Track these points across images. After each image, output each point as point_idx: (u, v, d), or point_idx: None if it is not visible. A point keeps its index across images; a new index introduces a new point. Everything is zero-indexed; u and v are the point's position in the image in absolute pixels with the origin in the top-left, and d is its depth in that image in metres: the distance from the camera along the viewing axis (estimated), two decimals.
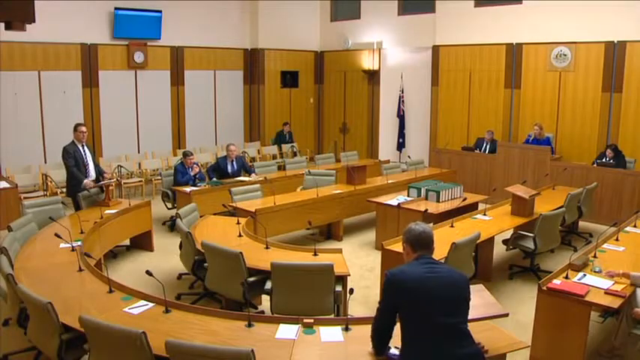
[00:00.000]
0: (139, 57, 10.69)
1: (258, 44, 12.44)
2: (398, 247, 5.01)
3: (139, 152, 10.96)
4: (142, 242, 6.83)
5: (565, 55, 9.35)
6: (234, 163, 8.22)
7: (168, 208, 7.91)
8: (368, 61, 12.51)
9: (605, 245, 5.00)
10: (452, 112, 10.99)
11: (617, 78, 8.87)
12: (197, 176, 7.74)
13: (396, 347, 2.92)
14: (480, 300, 3.23)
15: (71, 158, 6.38)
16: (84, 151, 6.51)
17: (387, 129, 12.47)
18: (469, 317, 3.02)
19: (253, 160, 11.10)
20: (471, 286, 3.48)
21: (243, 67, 12.56)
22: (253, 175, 8.25)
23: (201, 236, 5.07)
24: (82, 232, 5.24)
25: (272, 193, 6.77)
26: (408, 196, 6.98)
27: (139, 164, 10.19)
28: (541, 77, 9.71)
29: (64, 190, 6.97)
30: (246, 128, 12.87)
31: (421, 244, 2.76)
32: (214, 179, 7.92)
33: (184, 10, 11.26)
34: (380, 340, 2.86)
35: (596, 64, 9.04)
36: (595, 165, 8.39)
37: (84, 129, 6.53)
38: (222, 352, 2.84)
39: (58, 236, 4.72)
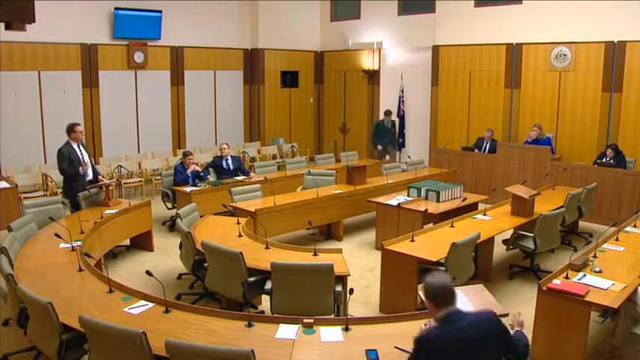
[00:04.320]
0: (139, 57, 10.69)
1: (258, 44, 12.44)
2: (398, 247, 5.02)
3: (139, 152, 10.96)
4: (142, 242, 6.83)
5: (565, 55, 9.35)
6: (230, 161, 8.25)
7: (169, 208, 7.91)
8: (368, 61, 12.51)
9: (605, 245, 4.99)
10: (452, 112, 10.99)
11: (617, 78, 8.87)
12: (195, 175, 7.74)
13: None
14: (480, 300, 3.24)
15: (65, 160, 6.20)
16: (80, 151, 6.36)
17: None
18: None
19: (253, 160, 11.10)
20: (471, 286, 3.50)
21: (243, 67, 12.56)
22: (252, 175, 8.26)
23: (201, 236, 5.06)
24: (82, 232, 5.24)
25: (272, 193, 6.77)
26: (408, 196, 6.98)
27: (139, 164, 10.19)
28: (541, 77, 9.71)
29: (62, 189, 6.94)
30: (246, 128, 12.87)
31: (444, 299, 2.66)
32: (212, 179, 7.92)
33: (184, 10, 11.26)
34: None
35: (596, 64, 9.05)
36: (595, 165, 8.40)
37: (81, 128, 6.38)
38: (222, 352, 2.84)
39: (58, 236, 4.72)
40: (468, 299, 3.24)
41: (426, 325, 3.02)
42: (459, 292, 3.36)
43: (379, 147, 11.36)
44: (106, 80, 10.43)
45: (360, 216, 7.90)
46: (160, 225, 7.89)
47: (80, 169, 6.27)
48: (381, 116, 11.82)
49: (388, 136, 11.42)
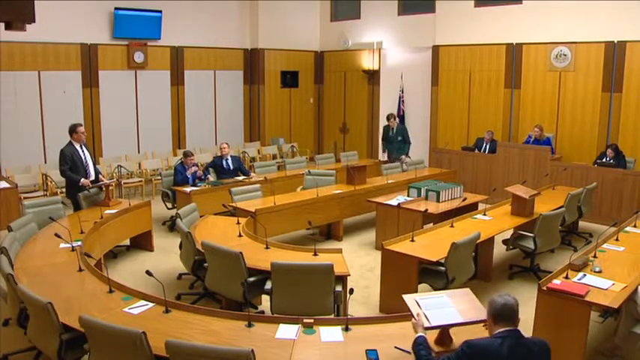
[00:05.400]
0: (139, 57, 10.69)
1: (258, 44, 12.44)
2: (398, 247, 5.02)
3: (139, 152, 10.96)
4: (142, 242, 6.83)
5: (565, 55, 9.35)
6: (230, 161, 8.25)
7: (169, 208, 7.91)
8: (368, 61, 12.51)
9: (605, 245, 4.99)
10: (452, 112, 10.99)
11: (617, 78, 8.87)
12: (195, 176, 7.74)
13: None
14: (465, 304, 3.21)
15: (67, 162, 6.23)
16: (82, 151, 6.39)
17: None
18: (462, 321, 3.04)
19: (253, 160, 11.10)
20: (457, 290, 3.50)
21: (243, 67, 12.56)
22: (252, 175, 8.26)
23: (201, 236, 5.06)
24: (82, 232, 5.24)
25: (272, 193, 6.77)
26: (408, 196, 6.98)
27: (139, 164, 10.19)
28: (541, 77, 9.71)
29: (64, 190, 6.95)
30: (246, 128, 12.87)
31: (503, 317, 2.72)
32: (212, 179, 7.92)
33: (184, 10, 11.26)
34: None
35: (596, 64, 9.04)
36: (595, 165, 8.40)
37: (83, 129, 6.42)
38: (222, 352, 2.84)
39: (58, 236, 4.72)
40: (453, 303, 3.22)
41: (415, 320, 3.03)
42: (444, 295, 3.34)
43: (385, 153, 10.25)
44: (106, 80, 10.43)
45: (360, 216, 7.90)
46: (160, 225, 7.89)
47: (82, 180, 6.29)
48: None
49: (393, 144, 9.99)
